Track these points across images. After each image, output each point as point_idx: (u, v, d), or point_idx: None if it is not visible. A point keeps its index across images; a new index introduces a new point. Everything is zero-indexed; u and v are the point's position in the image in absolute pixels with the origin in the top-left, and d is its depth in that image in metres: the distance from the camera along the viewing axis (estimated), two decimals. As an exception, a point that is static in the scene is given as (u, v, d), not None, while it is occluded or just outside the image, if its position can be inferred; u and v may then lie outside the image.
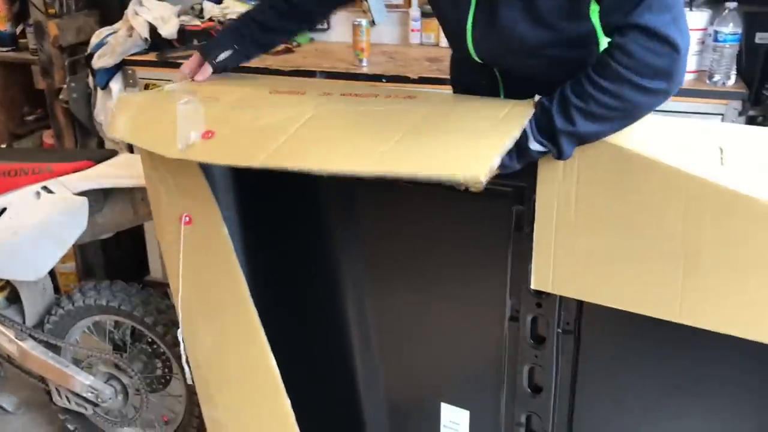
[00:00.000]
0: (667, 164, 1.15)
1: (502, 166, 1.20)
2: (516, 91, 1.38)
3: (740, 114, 2.17)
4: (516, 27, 1.29)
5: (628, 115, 1.20)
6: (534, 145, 1.21)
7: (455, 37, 1.44)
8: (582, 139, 1.21)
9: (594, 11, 1.27)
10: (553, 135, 1.20)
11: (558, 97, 1.21)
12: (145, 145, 1.43)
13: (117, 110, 1.48)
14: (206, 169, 1.46)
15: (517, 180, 1.29)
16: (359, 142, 1.22)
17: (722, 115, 2.17)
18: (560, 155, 1.21)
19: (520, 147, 1.21)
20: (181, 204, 1.52)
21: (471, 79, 1.49)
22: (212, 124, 1.37)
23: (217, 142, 1.34)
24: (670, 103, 2.13)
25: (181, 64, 2.56)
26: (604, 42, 1.33)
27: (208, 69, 1.56)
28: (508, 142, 1.15)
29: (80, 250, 2.95)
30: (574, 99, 1.19)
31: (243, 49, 1.57)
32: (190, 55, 2.55)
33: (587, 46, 1.33)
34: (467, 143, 1.17)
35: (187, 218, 1.51)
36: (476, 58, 1.41)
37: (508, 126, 1.19)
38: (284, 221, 1.59)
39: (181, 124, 1.37)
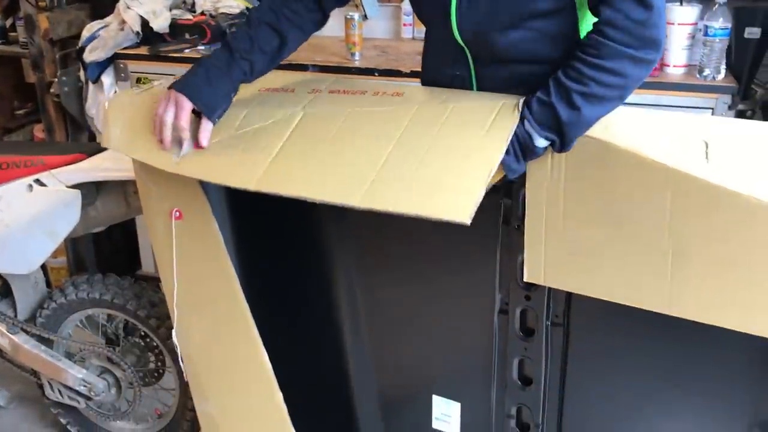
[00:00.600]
0: (652, 159, 1.16)
1: (510, 171, 1.22)
2: (489, 86, 1.39)
3: (730, 108, 2.19)
4: None
5: (626, 91, 1.22)
6: (540, 142, 1.22)
7: (437, 11, 1.39)
8: (588, 126, 1.21)
9: None
10: (559, 128, 1.20)
11: (554, 87, 1.21)
12: (141, 157, 1.43)
13: (110, 118, 1.46)
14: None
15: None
16: (347, 163, 1.24)
17: (712, 109, 2.19)
18: (563, 147, 1.22)
19: (526, 148, 1.22)
20: (171, 199, 1.52)
21: (445, 73, 1.47)
22: None
23: (209, 152, 1.36)
24: (661, 97, 2.18)
25: (172, 57, 2.61)
26: (583, 15, 1.33)
27: (209, 126, 1.38)
28: (495, 166, 1.16)
29: (71, 244, 2.95)
30: (573, 84, 1.19)
31: (233, 97, 1.44)
32: (182, 49, 2.62)
33: (567, 19, 1.33)
34: (452, 171, 1.17)
35: (178, 213, 1.51)
36: (456, 36, 1.38)
37: (494, 142, 1.20)
38: (274, 216, 1.60)
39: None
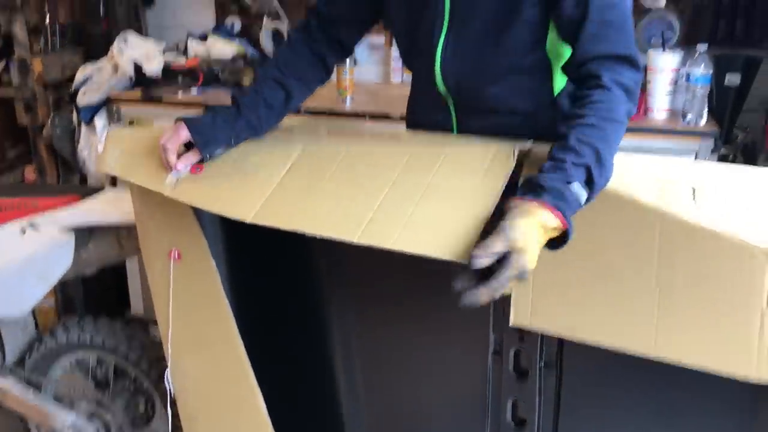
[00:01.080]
0: (641, 202, 1.19)
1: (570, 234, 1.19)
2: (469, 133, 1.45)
3: (712, 152, 2.25)
4: (484, 52, 1.37)
5: None
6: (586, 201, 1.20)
7: (422, 59, 1.46)
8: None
9: (550, 40, 1.37)
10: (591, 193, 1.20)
11: (593, 158, 1.18)
12: (135, 180, 1.43)
13: (108, 144, 1.47)
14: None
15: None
16: (345, 199, 1.26)
17: (695, 153, 2.25)
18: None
19: (578, 207, 1.18)
20: (170, 239, 1.53)
21: (428, 118, 1.53)
22: None
23: (206, 180, 1.37)
24: (647, 141, 2.23)
25: (165, 101, 2.64)
26: (557, 72, 1.41)
27: (194, 158, 1.39)
28: (491, 207, 1.18)
29: (60, 285, 2.91)
30: (605, 149, 1.19)
31: (234, 144, 1.45)
32: (174, 92, 2.66)
33: (543, 76, 1.42)
34: (449, 211, 1.19)
35: (177, 254, 1.52)
36: (440, 84, 1.44)
37: (489, 186, 1.22)
38: (272, 258, 1.61)
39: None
